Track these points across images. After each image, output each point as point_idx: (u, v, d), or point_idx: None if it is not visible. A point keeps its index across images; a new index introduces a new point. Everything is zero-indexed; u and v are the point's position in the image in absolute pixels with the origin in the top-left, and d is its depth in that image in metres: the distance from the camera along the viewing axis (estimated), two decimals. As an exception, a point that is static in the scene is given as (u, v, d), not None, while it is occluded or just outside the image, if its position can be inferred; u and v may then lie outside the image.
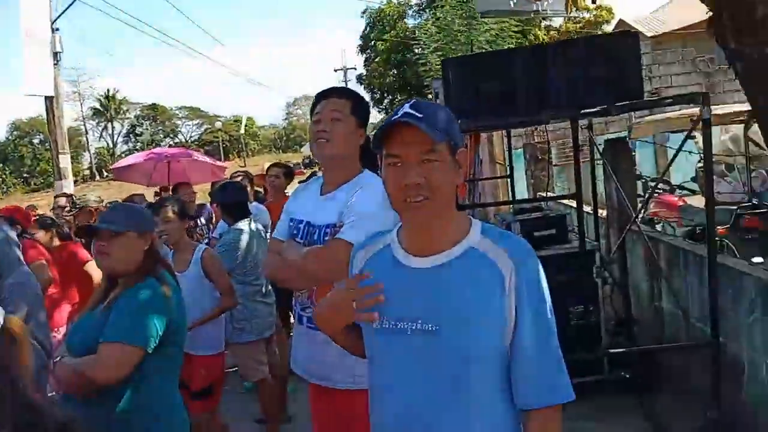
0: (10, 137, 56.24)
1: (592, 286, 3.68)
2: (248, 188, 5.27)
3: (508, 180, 9.11)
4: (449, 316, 1.29)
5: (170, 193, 5.89)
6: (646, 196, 5.89)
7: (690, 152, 6.81)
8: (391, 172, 1.33)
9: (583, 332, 3.62)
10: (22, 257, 3.25)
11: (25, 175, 51.89)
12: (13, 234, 3.34)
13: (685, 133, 6.88)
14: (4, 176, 50.66)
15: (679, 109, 6.31)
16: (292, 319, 5.28)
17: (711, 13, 4.03)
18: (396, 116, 1.30)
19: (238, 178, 5.77)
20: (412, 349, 1.32)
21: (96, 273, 3.84)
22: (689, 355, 3.63)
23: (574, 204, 6.39)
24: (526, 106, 3.55)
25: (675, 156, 3.75)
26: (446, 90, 3.71)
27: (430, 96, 18.01)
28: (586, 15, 23.39)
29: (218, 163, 8.19)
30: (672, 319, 4.08)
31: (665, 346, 3.75)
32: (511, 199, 5.24)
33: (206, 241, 5.24)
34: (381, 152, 1.35)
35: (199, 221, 5.80)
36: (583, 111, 3.41)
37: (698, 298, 3.72)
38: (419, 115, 1.28)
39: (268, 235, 4.29)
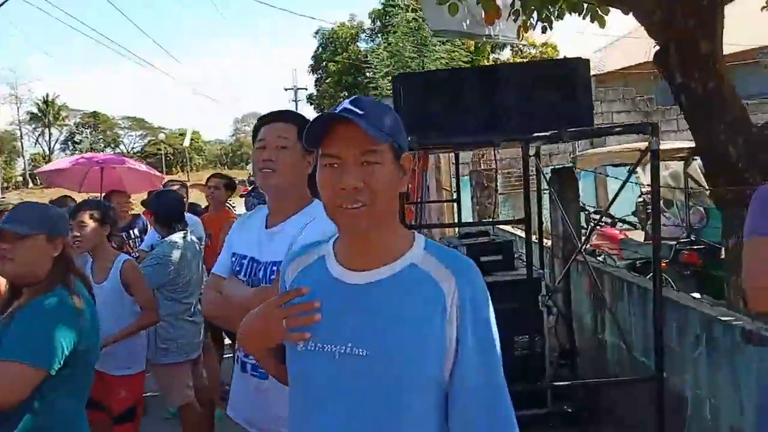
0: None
1: (537, 316, 3.59)
2: (184, 198, 5.00)
3: (454, 205, 9.16)
4: (381, 341, 1.16)
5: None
6: (589, 227, 5.93)
7: (636, 183, 6.96)
8: (326, 174, 1.19)
9: (527, 363, 3.51)
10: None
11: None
12: None
13: (627, 167, 7.07)
14: None
15: (619, 144, 6.43)
16: (227, 340, 5.04)
17: (658, 47, 4.10)
18: (335, 111, 1.17)
19: (174, 187, 5.46)
20: (338, 376, 1.18)
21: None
22: (633, 389, 3.57)
23: (517, 231, 6.42)
24: (476, 126, 3.47)
25: (620, 189, 3.75)
26: (396, 106, 3.60)
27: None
28: (533, 51, 24.14)
29: (155, 172, 7.79)
30: (615, 352, 4.04)
31: (609, 380, 3.69)
32: (458, 221, 5.14)
33: (136, 255, 4.93)
34: (316, 152, 1.21)
35: (132, 232, 5.43)
36: (534, 134, 3.35)
37: (642, 332, 3.69)
38: (360, 112, 1.15)
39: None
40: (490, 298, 1.21)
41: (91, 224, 2.99)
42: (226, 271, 1.94)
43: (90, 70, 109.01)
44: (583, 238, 4.26)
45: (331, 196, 1.18)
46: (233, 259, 1.94)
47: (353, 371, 1.17)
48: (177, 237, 3.52)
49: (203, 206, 5.99)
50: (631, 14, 4.04)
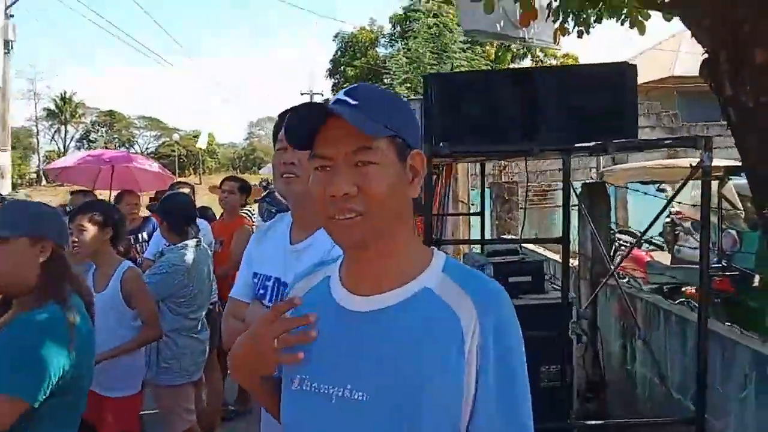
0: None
1: (567, 344, 3.32)
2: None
3: (470, 219, 8.87)
4: (384, 384, 0.96)
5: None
6: (613, 248, 5.66)
7: (681, 202, 6.66)
8: (316, 179, 1.00)
9: (553, 396, 3.24)
10: None
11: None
12: None
13: (657, 185, 6.79)
14: None
15: (646, 161, 6.15)
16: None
17: (706, 55, 3.85)
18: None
19: (185, 190, 5.22)
20: (335, 423, 0.98)
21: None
22: (669, 430, 3.30)
23: (539, 249, 6.14)
24: (512, 134, 3.21)
25: (664, 209, 3.50)
26: (426, 108, 3.36)
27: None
28: (553, 62, 23.94)
29: (166, 171, 7.60)
30: (647, 387, 3.76)
31: (647, 421, 3.40)
32: (481, 237, 4.88)
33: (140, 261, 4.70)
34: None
35: (140, 236, 5.18)
36: (577, 145, 3.10)
37: (680, 366, 3.42)
38: (353, 102, 0.98)
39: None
40: (520, 336, 1.00)
41: (90, 228, 2.73)
42: (248, 295, 1.70)
43: (109, 67, 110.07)
44: (619, 260, 4.00)
45: (321, 205, 0.99)
46: (255, 280, 1.70)
47: (351, 419, 0.97)
48: (190, 244, 3.26)
49: (217, 211, 5.78)
50: (669, 22, 3.78)
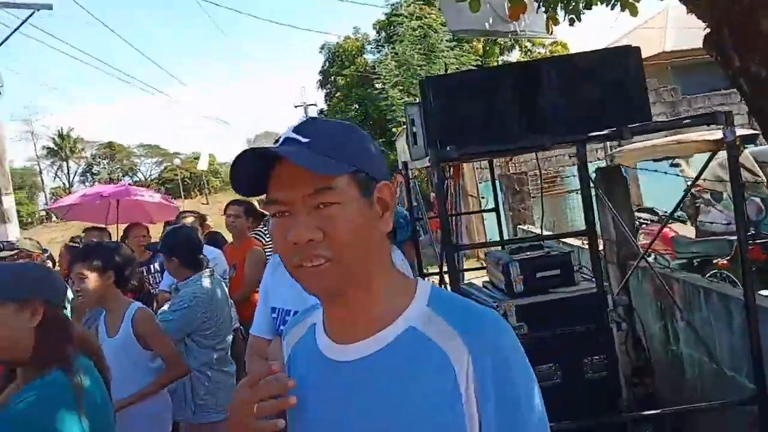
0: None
1: (608, 333, 3.18)
2: (199, 232, 4.65)
3: (483, 215, 8.71)
4: None
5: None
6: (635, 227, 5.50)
7: (678, 176, 6.50)
8: (276, 226, 0.91)
9: (602, 387, 3.11)
10: None
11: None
12: None
13: (670, 161, 6.61)
14: None
15: (665, 136, 5.99)
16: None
17: (708, 30, 3.70)
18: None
19: (188, 220, 5.09)
20: None
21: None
22: (726, 412, 3.14)
23: (568, 240, 5.97)
24: (519, 130, 3.11)
25: (690, 187, 3.33)
26: (425, 113, 3.24)
27: (394, 130, 17.88)
28: (542, 50, 23.74)
29: (170, 202, 7.50)
30: (695, 367, 3.60)
31: (705, 406, 3.23)
32: (499, 235, 4.71)
33: (156, 290, 4.59)
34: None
35: (152, 267, 5.07)
36: (591, 134, 2.96)
37: (727, 343, 3.26)
38: (303, 140, 0.89)
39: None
40: (522, 359, 0.89)
41: (91, 276, 2.59)
42: (269, 331, 1.63)
43: (101, 101, 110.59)
44: (650, 241, 3.84)
45: (284, 254, 0.90)
46: (274, 315, 1.61)
47: None
48: (205, 274, 3.12)
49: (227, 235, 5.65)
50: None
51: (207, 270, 3.16)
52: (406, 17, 19.95)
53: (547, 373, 2.95)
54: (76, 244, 5.16)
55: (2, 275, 1.57)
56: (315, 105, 34.38)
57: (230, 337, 3.25)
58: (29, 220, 50.92)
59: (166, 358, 2.69)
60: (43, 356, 1.49)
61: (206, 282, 3.08)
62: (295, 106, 35.54)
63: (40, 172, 60.32)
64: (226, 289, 3.50)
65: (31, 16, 9.14)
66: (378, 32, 27.58)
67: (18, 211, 10.70)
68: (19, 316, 1.49)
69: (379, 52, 27.41)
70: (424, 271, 4.46)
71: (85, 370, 1.53)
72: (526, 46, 24.42)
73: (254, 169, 0.89)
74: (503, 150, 3.56)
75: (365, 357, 0.91)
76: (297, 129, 0.91)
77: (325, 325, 0.99)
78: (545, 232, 4.89)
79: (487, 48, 22.98)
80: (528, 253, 3.50)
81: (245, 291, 4.32)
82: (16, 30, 9.20)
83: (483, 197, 8.75)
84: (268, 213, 1.02)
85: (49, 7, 9.16)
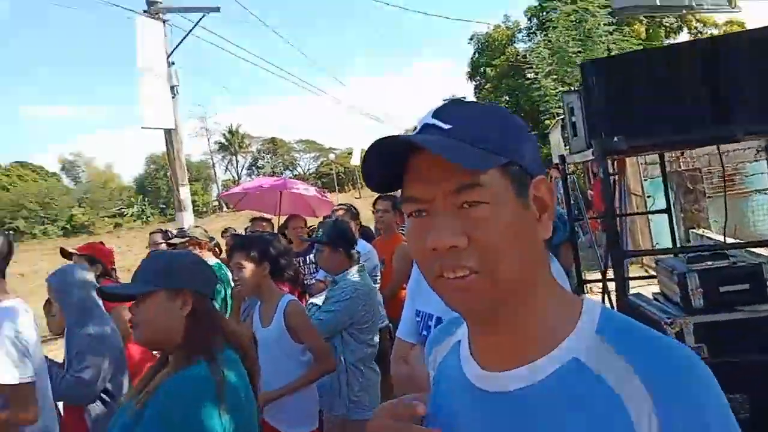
0: (147, 170, 61.95)
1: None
2: (352, 225, 4.70)
3: (647, 217, 7.96)
4: None
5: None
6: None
7: None
8: (412, 228, 0.78)
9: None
10: (101, 303, 2.86)
11: (161, 205, 56.39)
12: (90, 276, 2.96)
13: None
14: (143, 206, 55.94)
15: None
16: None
17: None
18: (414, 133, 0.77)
19: (339, 213, 5.19)
20: None
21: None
22: None
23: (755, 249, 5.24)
24: (699, 118, 2.72)
25: None
26: (587, 102, 2.95)
27: (548, 122, 17.13)
28: (714, 31, 21.39)
29: (323, 195, 7.76)
30: None
31: None
32: (672, 240, 4.20)
33: (312, 280, 4.72)
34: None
35: (308, 258, 5.23)
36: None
37: None
38: (445, 126, 0.76)
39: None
40: (724, 406, 0.70)
41: (248, 265, 2.69)
42: (413, 334, 1.54)
43: (266, 99, 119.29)
44: None
45: (422, 261, 0.77)
46: (418, 318, 1.53)
47: None
48: (358, 269, 3.12)
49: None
50: None
51: (358, 264, 3.17)
52: (560, 2, 18.97)
53: (733, 407, 2.55)
54: (237, 234, 5.48)
55: (155, 266, 1.62)
56: (464, 98, 34.14)
57: (377, 337, 3.23)
58: (204, 209, 56.60)
59: (316, 353, 2.71)
60: (190, 346, 1.52)
61: (362, 275, 3.08)
62: (444, 100, 35.59)
63: (213, 166, 66.82)
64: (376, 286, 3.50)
65: (201, 19, 10.02)
66: (529, 19, 26.70)
67: (193, 201, 11.81)
68: (171, 304, 1.55)
69: (530, 40, 26.53)
70: (583, 277, 4.12)
71: (231, 365, 1.54)
72: (695, 27, 22.20)
73: (390, 161, 0.76)
74: (683, 142, 3.15)
75: (517, 390, 0.76)
76: (437, 113, 0.78)
77: (470, 345, 0.85)
78: (727, 239, 4.30)
79: (651, 31, 21.22)
80: (709, 262, 3.06)
81: (393, 287, 4.31)
82: (189, 33, 10.13)
83: (649, 196, 8.00)
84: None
85: (217, 9, 9.97)
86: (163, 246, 5.03)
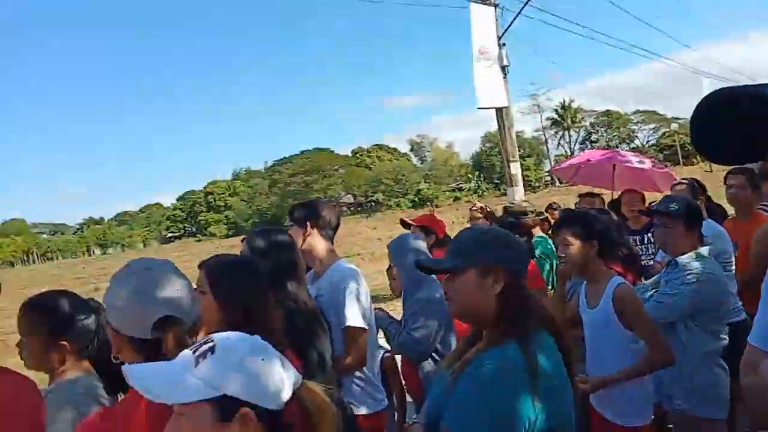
0: (483, 148, 65.54)
1: None
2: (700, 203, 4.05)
3: None
4: None
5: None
6: None
7: None
8: None
9: None
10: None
11: (496, 180, 59.20)
12: (423, 245, 3.20)
13: None
14: (479, 182, 59.81)
15: None
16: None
17: None
18: None
19: (679, 188, 4.52)
20: None
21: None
22: None
23: None
24: None
25: None
26: None
27: None
28: None
29: (658, 167, 6.91)
30: None
31: None
32: None
33: (650, 262, 4.27)
34: None
35: (646, 237, 4.76)
36: None
37: None
38: None
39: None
40: None
41: (574, 242, 2.53)
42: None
43: (599, 71, 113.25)
44: None
45: None
46: None
47: None
48: (705, 251, 2.73)
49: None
50: None
51: (706, 247, 2.75)
52: None
53: None
54: (564, 209, 5.23)
55: (471, 241, 1.59)
56: None
57: (725, 330, 2.75)
58: (537, 184, 57.28)
59: (651, 343, 2.42)
60: (501, 325, 1.48)
61: (710, 259, 2.69)
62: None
63: (545, 141, 66.69)
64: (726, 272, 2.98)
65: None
66: None
67: (526, 176, 11.97)
68: (478, 281, 1.51)
69: None
70: None
71: (545, 348, 1.45)
72: None
73: (744, 124, 0.58)
74: None
75: None
76: None
77: None
78: None
79: None
80: None
81: (750, 272, 3.59)
82: (518, 13, 10.19)
83: None
84: None
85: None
86: (482, 221, 5.12)
